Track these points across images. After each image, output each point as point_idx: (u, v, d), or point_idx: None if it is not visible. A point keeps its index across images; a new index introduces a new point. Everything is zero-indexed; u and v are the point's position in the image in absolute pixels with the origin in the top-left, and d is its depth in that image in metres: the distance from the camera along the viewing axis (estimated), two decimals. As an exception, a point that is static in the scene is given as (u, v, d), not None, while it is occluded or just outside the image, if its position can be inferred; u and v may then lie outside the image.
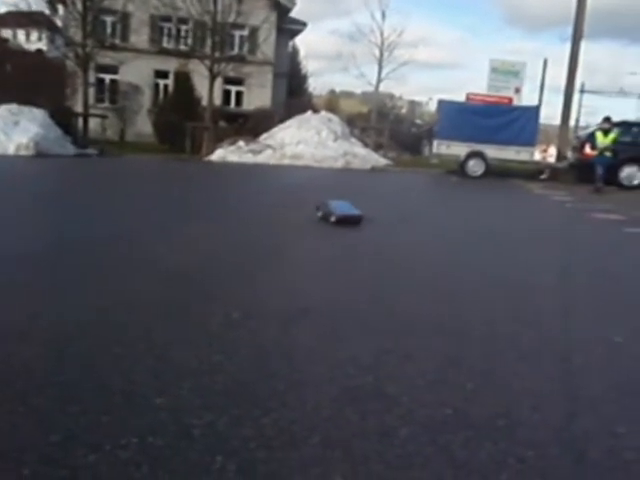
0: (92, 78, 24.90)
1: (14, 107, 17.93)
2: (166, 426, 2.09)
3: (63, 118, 19.31)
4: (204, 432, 2.06)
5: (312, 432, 2.10)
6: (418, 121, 43.21)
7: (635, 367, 3.01)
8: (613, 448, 2.14)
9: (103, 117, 22.76)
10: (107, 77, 27.91)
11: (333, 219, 6.76)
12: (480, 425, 2.23)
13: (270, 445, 2.00)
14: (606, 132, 15.22)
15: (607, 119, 15.53)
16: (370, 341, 3.09)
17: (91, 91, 24.26)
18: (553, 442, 2.15)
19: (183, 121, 21.35)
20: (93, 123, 22.00)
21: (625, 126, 16.79)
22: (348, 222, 6.75)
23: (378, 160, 21.23)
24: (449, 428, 2.20)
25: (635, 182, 16.79)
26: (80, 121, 21.06)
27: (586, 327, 3.67)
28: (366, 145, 23.35)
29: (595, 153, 15.28)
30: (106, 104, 27.35)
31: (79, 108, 22.26)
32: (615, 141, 15.22)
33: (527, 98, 26.20)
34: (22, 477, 1.75)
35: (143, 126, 25.52)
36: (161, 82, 28.28)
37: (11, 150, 16.02)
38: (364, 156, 20.88)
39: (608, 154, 15.11)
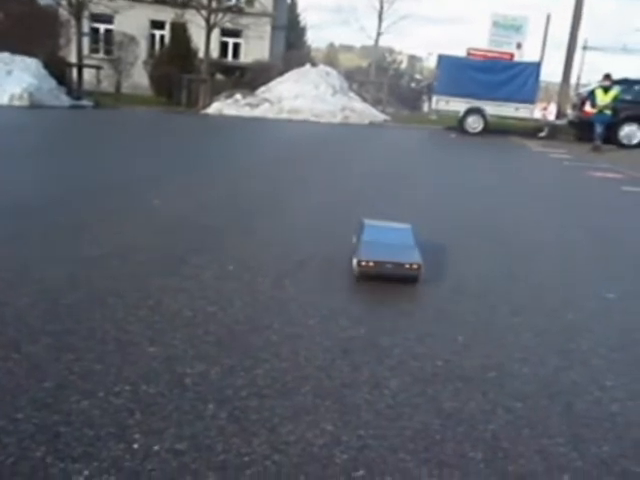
0: (86, 27, 24.48)
1: (6, 56, 17.62)
2: (159, 375, 2.11)
3: (57, 68, 19.03)
4: (196, 381, 2.08)
5: (304, 382, 2.12)
6: (418, 76, 42.66)
7: (625, 323, 3.04)
8: (600, 400, 2.17)
9: (98, 68, 22.43)
10: (101, 27, 27.44)
11: (356, 265, 3.22)
12: (470, 377, 2.26)
13: (262, 394, 2.02)
14: (606, 90, 15.07)
15: (607, 76, 15.35)
16: (362, 290, 3.11)
17: (85, 41, 23.89)
18: (541, 394, 2.18)
19: (179, 73, 21.05)
20: (88, 74, 21.69)
21: (626, 84, 16.61)
22: (389, 277, 3.23)
23: (376, 115, 21.06)
24: (439, 379, 2.23)
25: (634, 141, 16.71)
26: (74, 72, 20.75)
27: (579, 283, 3.69)
28: (364, 100, 23.14)
29: (595, 111, 15.15)
30: (101, 55, 26.95)
31: (73, 58, 21.93)
32: (616, 99, 15.08)
33: (529, 54, 25.82)
34: (15, 421, 1.77)
35: (139, 78, 25.18)
36: (157, 33, 27.82)
37: (4, 101, 15.83)
38: (362, 111, 20.71)
39: (608, 112, 15.00)
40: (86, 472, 1.57)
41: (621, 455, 1.84)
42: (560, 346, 2.64)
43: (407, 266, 3.19)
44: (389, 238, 3.44)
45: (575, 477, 1.71)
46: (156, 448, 1.69)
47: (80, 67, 20.96)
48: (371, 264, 3.18)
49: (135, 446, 1.70)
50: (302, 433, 1.81)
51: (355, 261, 3.22)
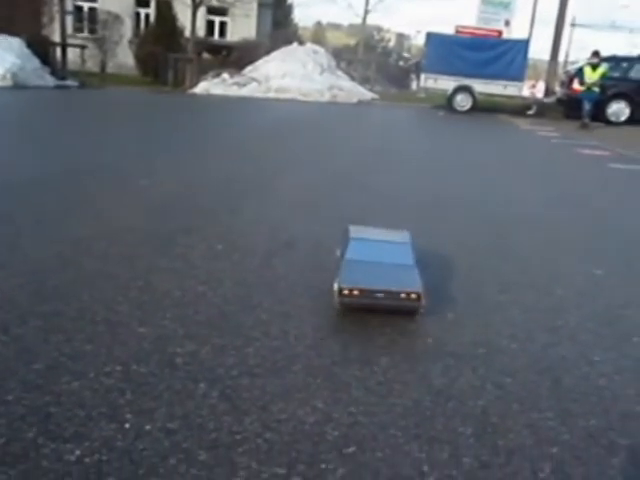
0: (69, 6, 24.09)
1: (-12, 36, 17.33)
2: (149, 355, 2.11)
3: (40, 48, 18.73)
4: (187, 360, 2.08)
5: (294, 360, 2.12)
6: (406, 54, 42.45)
7: (613, 298, 3.07)
8: (588, 375, 2.20)
9: (82, 47, 22.11)
10: (85, 5, 27.02)
11: (336, 294, 2.50)
12: (459, 354, 2.28)
13: (253, 373, 2.02)
14: (595, 67, 15.04)
15: (596, 53, 15.32)
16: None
17: (69, 20, 23.52)
18: (530, 369, 2.20)
19: (165, 52, 20.81)
20: (72, 54, 21.38)
21: (614, 61, 16.59)
22: (380, 309, 2.55)
23: (364, 94, 20.97)
24: (429, 356, 2.24)
25: (622, 118, 16.74)
26: (58, 51, 20.43)
27: (567, 260, 3.71)
28: (352, 78, 23.01)
29: (583, 88, 15.14)
30: (85, 34, 26.56)
31: (56, 38, 21.58)
32: (604, 76, 15.07)
33: (517, 31, 25.74)
34: (6, 403, 1.77)
35: (124, 57, 24.87)
36: (142, 11, 27.44)
37: (-12, 81, 15.59)
38: (350, 90, 20.60)
39: (596, 89, 15.00)
40: (77, 452, 1.57)
41: (608, 428, 1.86)
42: (549, 322, 2.67)
43: (403, 295, 2.49)
44: (381, 255, 2.68)
45: (563, 450, 1.73)
46: (148, 427, 1.70)
47: (64, 46, 20.63)
48: (356, 292, 2.47)
49: (126, 426, 1.70)
50: (293, 411, 1.82)
51: (335, 287, 2.49)
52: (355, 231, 2.87)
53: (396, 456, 1.66)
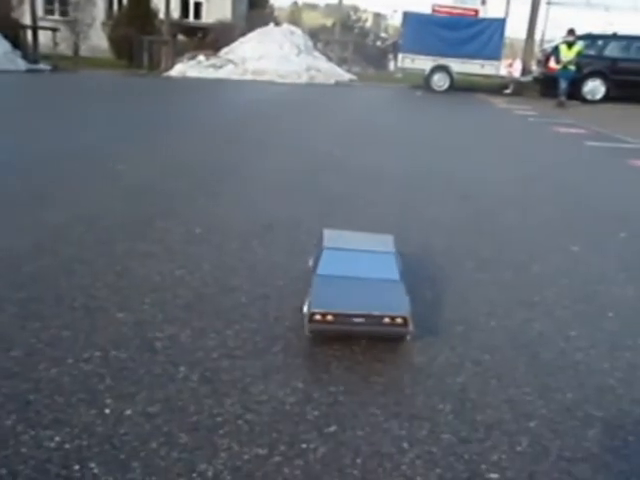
0: (40, -13, 23.54)
1: (-44, 19, 16.92)
2: (129, 340, 2.10)
3: (10, 31, 18.36)
4: (167, 344, 2.07)
5: (274, 342, 2.13)
6: (383, 35, 42.23)
7: (589, 274, 3.11)
8: (564, 350, 2.23)
9: (54, 30, 21.70)
10: (56, -14, 26.46)
11: (306, 320, 2.08)
12: (438, 332, 2.30)
13: (233, 355, 2.03)
14: (570, 45, 15.10)
15: (571, 31, 15.37)
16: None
17: (39, 1, 23.01)
18: (508, 346, 2.23)
19: (140, 35, 20.50)
20: (43, 37, 20.96)
21: (590, 39, 16.66)
22: (359, 336, 2.17)
23: (342, 75, 20.89)
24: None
25: (598, 96, 16.85)
26: (29, 34, 20.00)
27: (544, 237, 3.74)
28: (330, 59, 22.89)
29: (559, 67, 15.21)
30: (56, 16, 26.08)
31: (27, 20, 21.13)
32: (579, 54, 15.13)
33: (494, 10, 25.72)
34: (-17, 391, 1.75)
35: (98, 40, 24.47)
36: (115, -8, 26.93)
37: (-44, 65, 15.25)
38: (328, 71, 20.51)
39: (572, 68, 15.07)
40: (57, 438, 1.57)
41: (584, 401, 1.90)
42: (526, 299, 2.70)
43: (387, 320, 2.07)
44: (360, 268, 2.29)
45: (541, 424, 1.76)
46: (128, 412, 1.69)
47: (35, 29, 20.20)
48: (330, 317, 2.06)
49: (107, 411, 1.69)
50: (274, 392, 1.83)
51: (305, 311, 2.11)
52: (330, 238, 2.47)
53: (376, 434, 1.67)
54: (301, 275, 2.70)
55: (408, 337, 2.13)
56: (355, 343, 2.14)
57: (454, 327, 2.35)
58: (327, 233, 2.53)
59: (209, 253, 3.02)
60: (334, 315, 2.05)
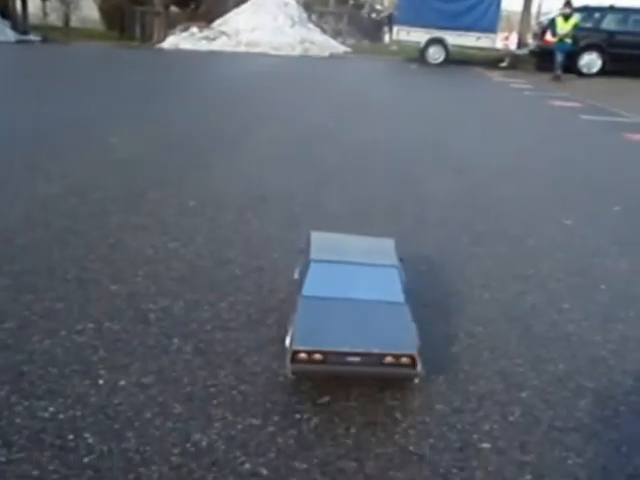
0: (29, -44, 23.03)
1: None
2: (122, 312, 2.09)
3: (-1, 1, 18.00)
4: (160, 316, 2.07)
5: (268, 314, 2.13)
6: (378, 6, 41.69)
7: (582, 248, 3.11)
8: (557, 322, 2.24)
9: (44, 0, 21.28)
10: (46, -45, 25.85)
11: (289, 359, 1.64)
12: (433, 304, 2.30)
13: (227, 327, 2.03)
14: (567, 18, 14.92)
15: (568, 3, 15.15)
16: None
17: (29, -29, 22.51)
18: (501, 318, 2.24)
19: (131, 5, 20.17)
20: (33, 7, 20.58)
21: (586, 11, 16.47)
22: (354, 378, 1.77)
23: (337, 47, 20.67)
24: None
25: (594, 70, 16.69)
26: (18, 4, 19.61)
27: (538, 210, 3.74)
28: (324, 31, 22.61)
29: (555, 40, 15.05)
30: (47, -14, 25.50)
31: (16, -10, 20.71)
32: (576, 27, 14.95)
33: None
34: (-23, 363, 1.75)
35: (89, 11, 24.04)
36: (105, -39, 26.36)
37: (-56, 36, 15.00)
38: (322, 43, 20.28)
39: (568, 41, 14.91)
40: (51, 409, 1.57)
41: (576, 372, 1.91)
42: (520, 272, 2.70)
43: (389, 359, 1.65)
44: (355, 286, 1.87)
45: (533, 395, 1.78)
46: (122, 383, 1.70)
47: (24, -1, 19.85)
48: (317, 356, 1.64)
49: (100, 382, 1.70)
50: (267, 363, 1.83)
51: (287, 345, 1.71)
52: (318, 246, 2.02)
53: (369, 405, 1.68)
54: (295, 247, 2.70)
55: (416, 380, 1.73)
56: (349, 315, 2.14)
57: (449, 299, 2.36)
58: (315, 237, 2.09)
59: (203, 225, 3.01)
60: (323, 354, 1.64)
